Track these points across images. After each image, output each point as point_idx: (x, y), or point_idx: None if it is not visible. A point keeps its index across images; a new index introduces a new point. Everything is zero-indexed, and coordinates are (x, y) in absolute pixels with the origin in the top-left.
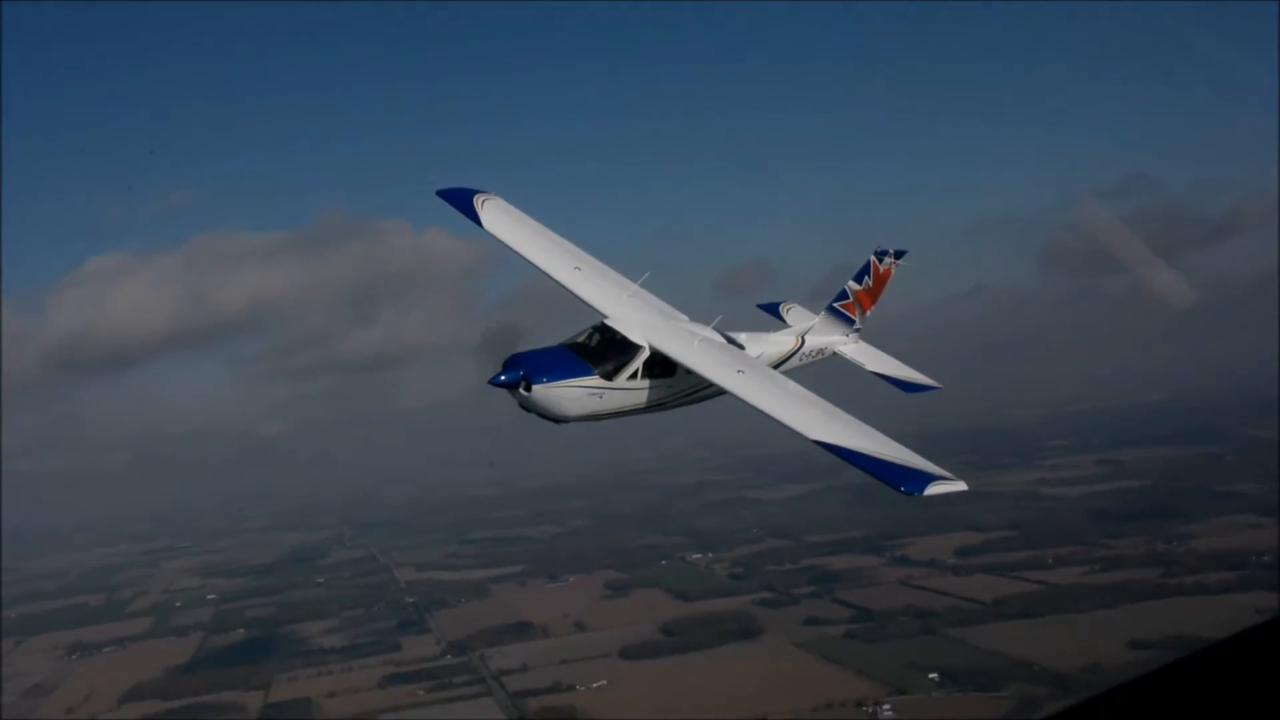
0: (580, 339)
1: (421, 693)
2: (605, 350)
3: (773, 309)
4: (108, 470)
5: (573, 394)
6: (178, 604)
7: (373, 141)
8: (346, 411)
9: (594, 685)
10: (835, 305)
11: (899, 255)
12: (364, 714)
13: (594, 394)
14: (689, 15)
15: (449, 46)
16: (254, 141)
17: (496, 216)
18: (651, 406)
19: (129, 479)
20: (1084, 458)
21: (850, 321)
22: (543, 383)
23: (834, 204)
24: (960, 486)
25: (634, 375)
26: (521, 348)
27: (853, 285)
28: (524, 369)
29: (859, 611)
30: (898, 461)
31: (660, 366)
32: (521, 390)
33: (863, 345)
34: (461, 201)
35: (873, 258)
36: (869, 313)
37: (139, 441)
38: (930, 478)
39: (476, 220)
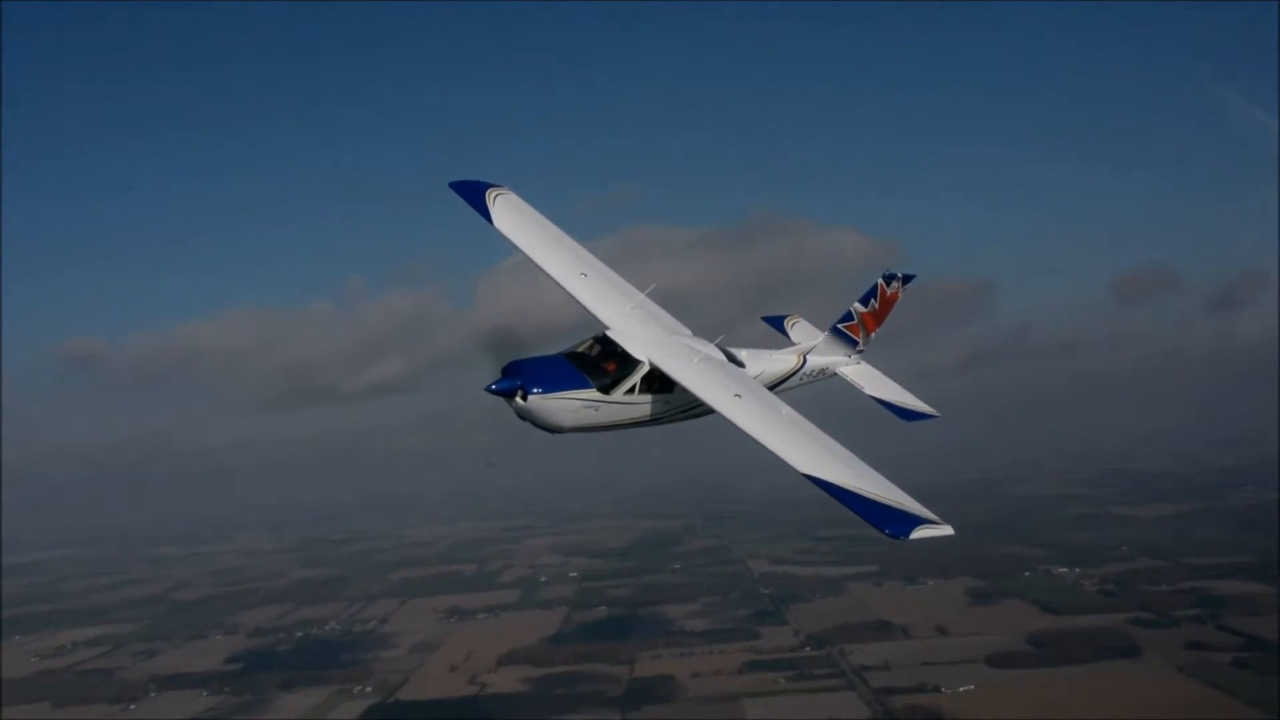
0: (580, 349)
1: (783, 681)
2: (604, 362)
3: (777, 323)
4: (470, 449)
5: (568, 405)
6: (542, 579)
7: (812, 145)
8: None
9: (960, 689)
10: (840, 326)
11: (907, 279)
12: (727, 695)
13: (590, 406)
14: None
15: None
16: (695, 138)
17: (508, 214)
18: (648, 421)
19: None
20: None
21: (854, 343)
22: (538, 393)
23: None
24: (946, 531)
25: (631, 390)
26: (523, 354)
27: (858, 307)
28: (521, 378)
29: (1248, 639)
30: (886, 502)
31: (659, 382)
32: (518, 399)
33: (865, 367)
34: (473, 195)
35: (880, 281)
36: (873, 335)
37: (501, 425)
38: (917, 521)
39: (487, 216)
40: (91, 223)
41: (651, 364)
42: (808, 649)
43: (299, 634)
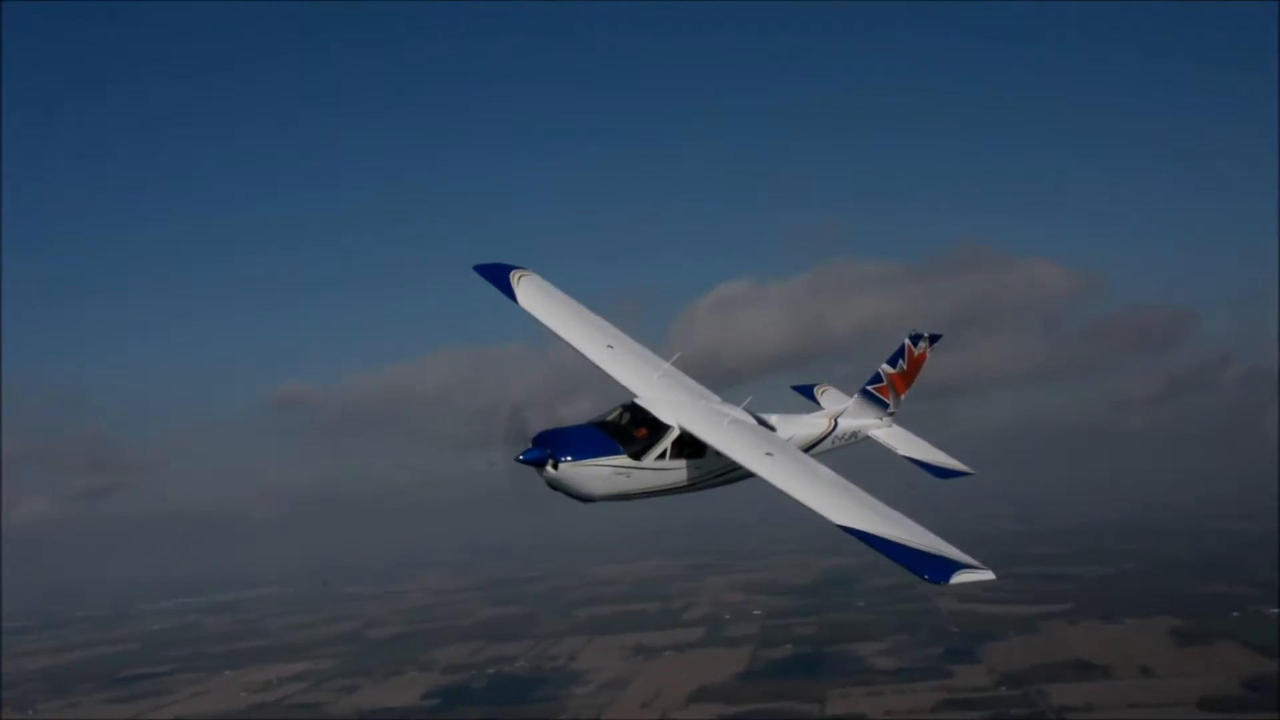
0: (610, 417)
1: None
2: (634, 429)
3: (807, 391)
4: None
5: (600, 473)
6: (727, 616)
7: (1012, 171)
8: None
9: None
10: (869, 388)
11: (934, 339)
12: None
13: (621, 473)
14: None
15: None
16: (890, 176)
17: (532, 293)
18: (681, 487)
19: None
20: None
21: (884, 405)
22: (568, 461)
23: None
24: (988, 575)
25: (663, 455)
26: (552, 425)
27: (886, 369)
28: (551, 446)
29: None
30: (925, 549)
31: (690, 447)
32: (549, 469)
33: (896, 429)
34: (498, 278)
35: (907, 341)
36: (903, 396)
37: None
38: (957, 566)
39: (512, 296)
40: (309, 266)
41: (681, 428)
42: (1003, 688)
43: (490, 670)
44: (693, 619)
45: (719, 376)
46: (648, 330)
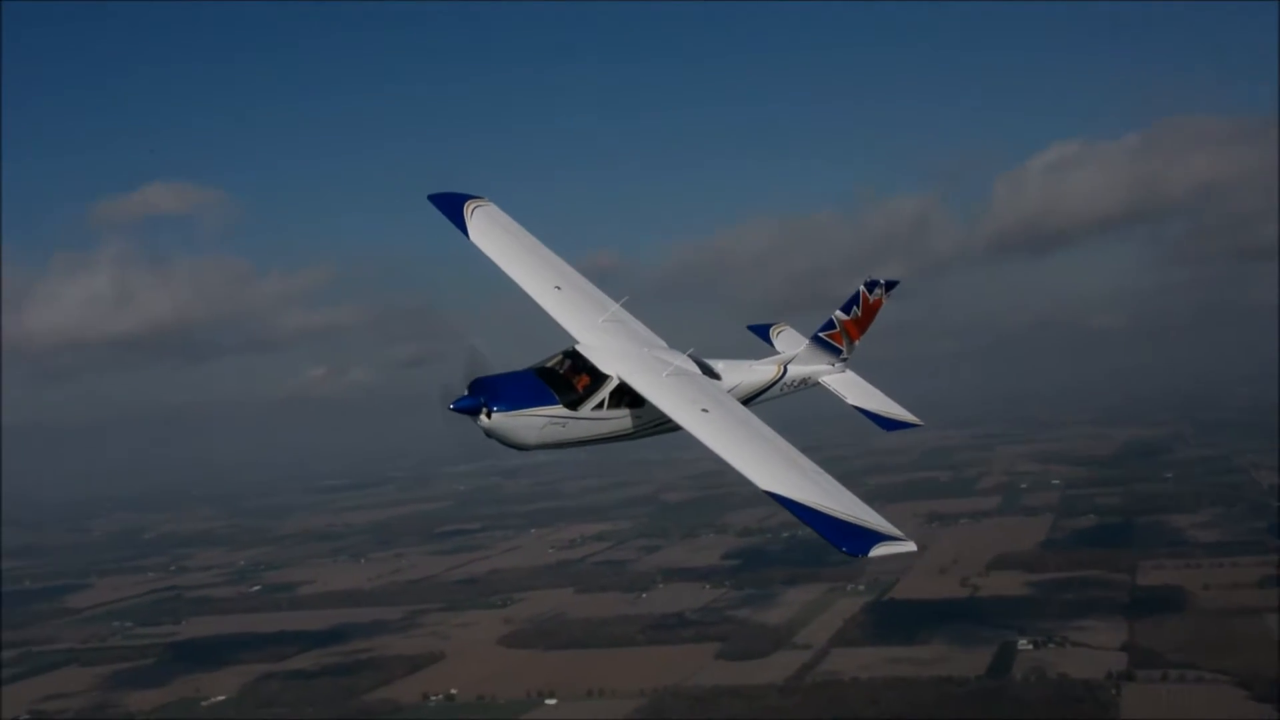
0: (551, 364)
1: None
2: (574, 378)
3: (763, 331)
4: (941, 355)
5: (534, 423)
6: (1023, 486)
7: None
8: (1201, 303)
9: None
10: (821, 335)
11: (890, 286)
12: (1246, 609)
13: (556, 423)
14: None
15: None
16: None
17: (484, 226)
18: (618, 437)
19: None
20: None
21: (837, 351)
22: (502, 410)
23: None
24: (909, 547)
25: (600, 405)
26: (491, 371)
27: (840, 315)
28: (485, 395)
29: None
30: (848, 519)
31: (630, 396)
32: (483, 418)
33: (849, 375)
34: (451, 209)
35: (862, 288)
36: (857, 343)
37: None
38: (878, 538)
39: (464, 229)
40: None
41: (620, 379)
42: None
43: (784, 534)
44: (987, 488)
45: (1046, 238)
46: (972, 189)
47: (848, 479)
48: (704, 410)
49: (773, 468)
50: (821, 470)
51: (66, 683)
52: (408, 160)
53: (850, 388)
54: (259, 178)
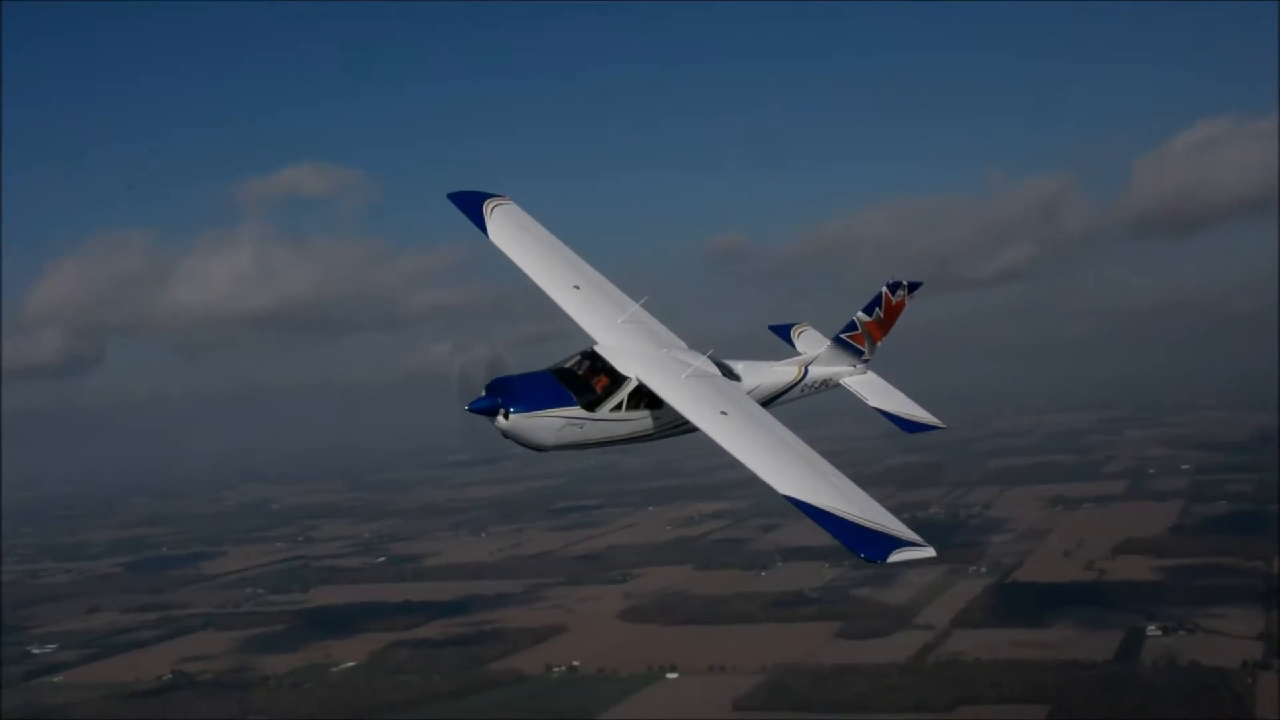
0: (569, 365)
1: None
2: (592, 379)
3: (784, 331)
4: (1065, 339)
5: (551, 424)
6: (1151, 470)
7: None
8: None
9: None
10: (843, 336)
11: (913, 288)
12: None
13: (574, 424)
14: None
15: None
16: None
17: (504, 225)
18: (636, 438)
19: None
20: None
21: (859, 353)
22: (519, 411)
23: None
24: (929, 553)
25: (618, 406)
26: (509, 372)
27: (862, 317)
28: (502, 396)
29: None
30: (867, 524)
31: (648, 398)
32: (500, 419)
33: (871, 377)
34: (471, 208)
35: (885, 289)
36: (879, 344)
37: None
38: (897, 543)
39: (483, 228)
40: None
41: (639, 380)
42: None
43: (905, 516)
44: (1114, 472)
45: (1189, 219)
46: (1111, 171)
47: (971, 462)
48: (723, 413)
49: (791, 471)
50: (841, 474)
51: (205, 645)
52: (543, 143)
53: (872, 389)
54: (396, 157)
